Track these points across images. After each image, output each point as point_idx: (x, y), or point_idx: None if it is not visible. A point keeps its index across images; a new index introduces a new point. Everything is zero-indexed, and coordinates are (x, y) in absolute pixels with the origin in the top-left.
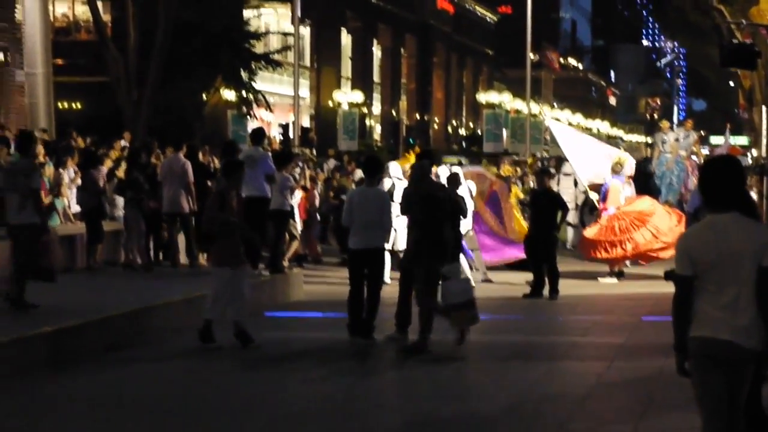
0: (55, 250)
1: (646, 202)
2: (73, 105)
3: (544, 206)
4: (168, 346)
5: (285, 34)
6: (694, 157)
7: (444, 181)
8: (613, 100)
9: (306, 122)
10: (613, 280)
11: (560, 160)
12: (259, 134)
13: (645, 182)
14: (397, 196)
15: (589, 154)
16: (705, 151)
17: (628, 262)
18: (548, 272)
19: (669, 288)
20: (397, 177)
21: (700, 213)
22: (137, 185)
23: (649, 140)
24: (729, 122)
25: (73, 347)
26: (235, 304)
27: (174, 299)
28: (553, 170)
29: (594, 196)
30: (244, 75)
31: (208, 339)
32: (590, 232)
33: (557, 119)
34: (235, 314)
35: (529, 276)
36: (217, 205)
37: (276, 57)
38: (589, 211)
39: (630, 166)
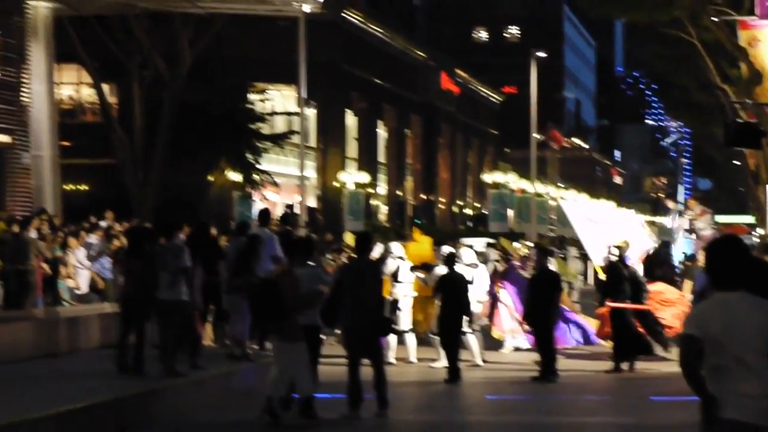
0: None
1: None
2: (80, 187)
3: (543, 286)
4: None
5: (290, 114)
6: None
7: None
8: (618, 180)
9: (312, 203)
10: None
11: (563, 240)
12: (266, 215)
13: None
14: (403, 276)
15: (602, 233)
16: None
17: None
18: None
19: (673, 367)
20: (399, 257)
21: (708, 293)
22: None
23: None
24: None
25: (83, 428)
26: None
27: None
28: (556, 249)
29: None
30: (249, 156)
31: (277, 416)
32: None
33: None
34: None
35: (536, 356)
36: (297, 283)
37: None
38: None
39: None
